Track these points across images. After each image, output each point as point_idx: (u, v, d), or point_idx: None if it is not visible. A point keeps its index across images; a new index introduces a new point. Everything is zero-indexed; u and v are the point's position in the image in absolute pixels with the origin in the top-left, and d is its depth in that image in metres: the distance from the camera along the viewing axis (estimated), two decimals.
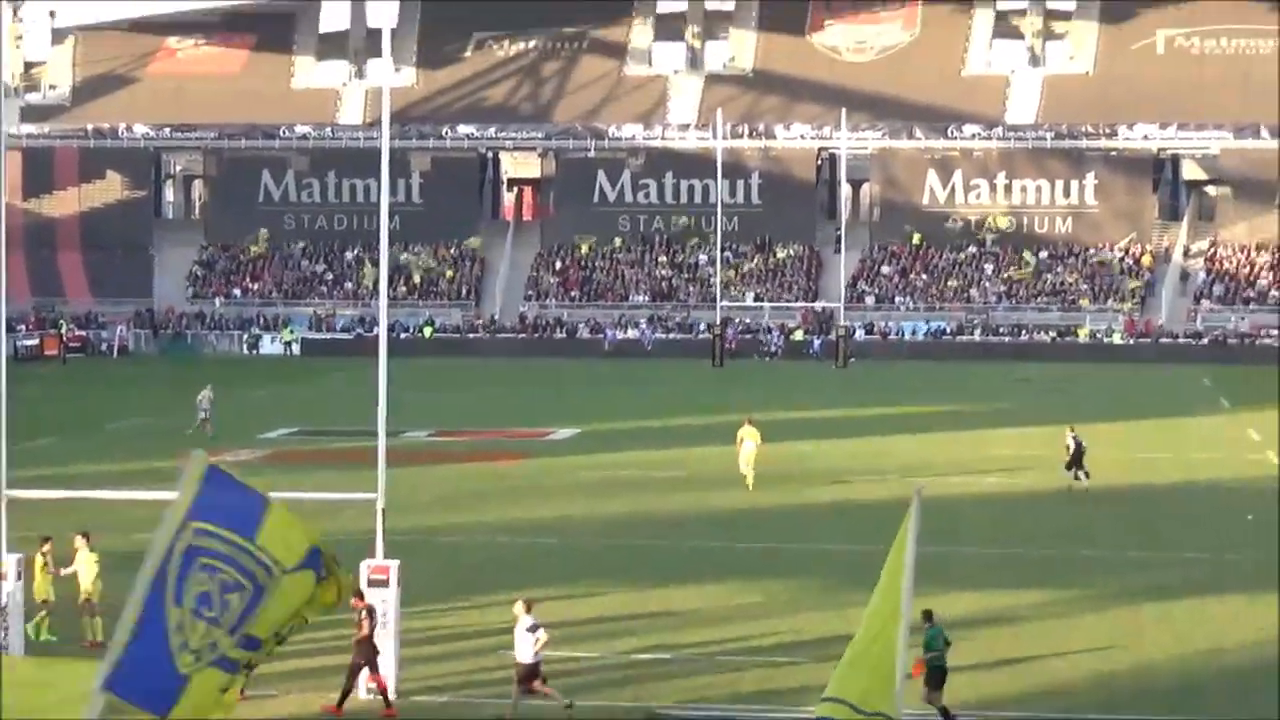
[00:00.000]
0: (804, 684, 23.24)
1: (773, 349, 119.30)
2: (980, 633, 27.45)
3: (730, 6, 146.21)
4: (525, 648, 22.26)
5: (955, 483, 49.63)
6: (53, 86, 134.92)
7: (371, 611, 22.57)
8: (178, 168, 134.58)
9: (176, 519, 14.39)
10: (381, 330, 27.45)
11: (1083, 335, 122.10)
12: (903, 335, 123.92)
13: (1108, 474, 53.41)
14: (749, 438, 51.12)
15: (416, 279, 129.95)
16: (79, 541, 28.23)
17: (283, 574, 15.27)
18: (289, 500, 38.67)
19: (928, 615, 22.09)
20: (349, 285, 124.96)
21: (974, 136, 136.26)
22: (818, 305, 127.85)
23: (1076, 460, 48.68)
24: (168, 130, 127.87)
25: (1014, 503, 47.02)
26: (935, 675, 21.63)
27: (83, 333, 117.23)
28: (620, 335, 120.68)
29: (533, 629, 22.29)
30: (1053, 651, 26.36)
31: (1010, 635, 27.68)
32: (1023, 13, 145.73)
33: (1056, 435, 63.40)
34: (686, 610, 28.85)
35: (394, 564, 22.78)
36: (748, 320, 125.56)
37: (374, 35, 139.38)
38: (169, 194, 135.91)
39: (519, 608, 22.80)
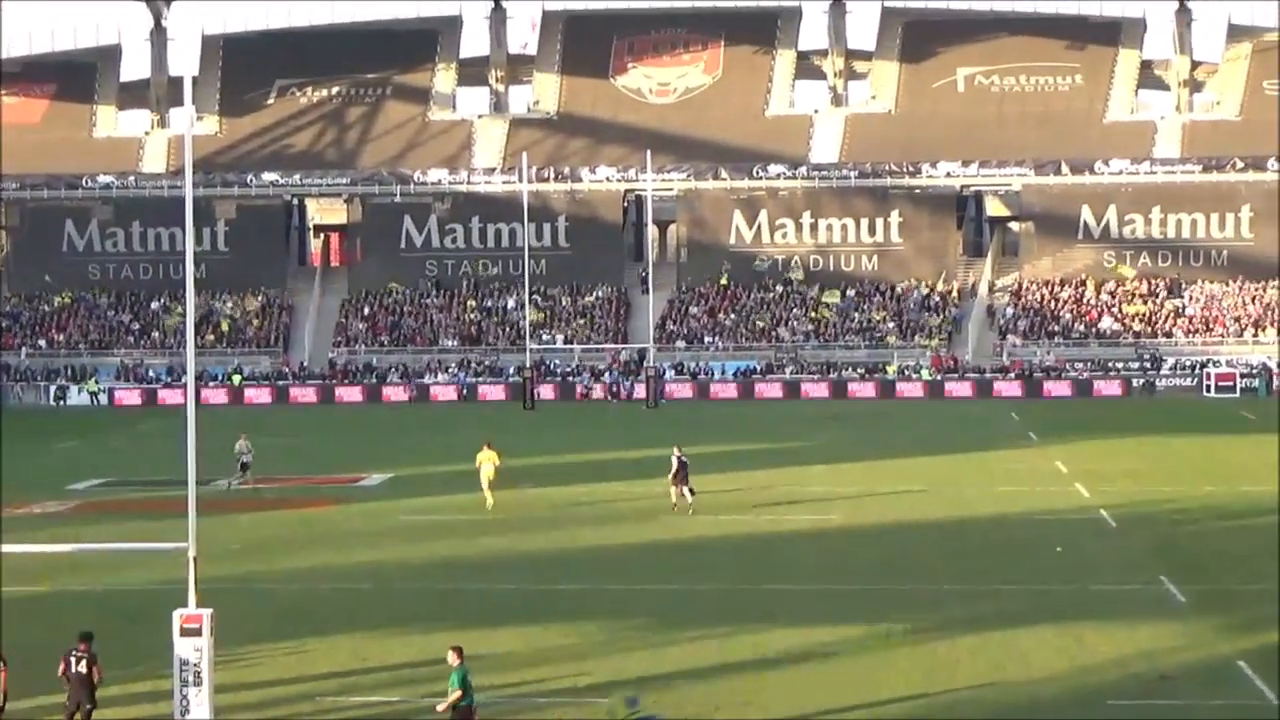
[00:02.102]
0: None
1: (587, 388, 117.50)
2: (800, 668, 27.70)
3: (533, 50, 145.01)
4: None
5: (769, 519, 50.03)
6: None
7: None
8: None
9: None
10: (189, 379, 27.12)
11: (891, 371, 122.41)
12: (712, 375, 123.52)
13: (921, 508, 54.14)
14: (487, 460, 52.86)
15: (224, 327, 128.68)
16: None
17: None
18: (100, 551, 38.82)
19: (459, 652, 22.19)
20: (156, 335, 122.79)
21: (779, 176, 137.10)
22: (627, 347, 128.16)
23: (682, 477, 50.52)
24: None
25: (829, 538, 47.42)
26: (465, 714, 21.70)
27: None
28: (430, 379, 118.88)
29: None
30: (870, 685, 26.49)
31: (829, 670, 27.87)
32: (824, 53, 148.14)
33: (868, 470, 66.40)
34: (501, 652, 28.77)
35: (207, 612, 22.43)
36: (557, 361, 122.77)
37: (176, 83, 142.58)
38: None
39: None
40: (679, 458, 51.42)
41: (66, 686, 22.80)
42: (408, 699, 25.88)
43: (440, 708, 22.24)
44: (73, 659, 22.73)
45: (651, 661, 27.98)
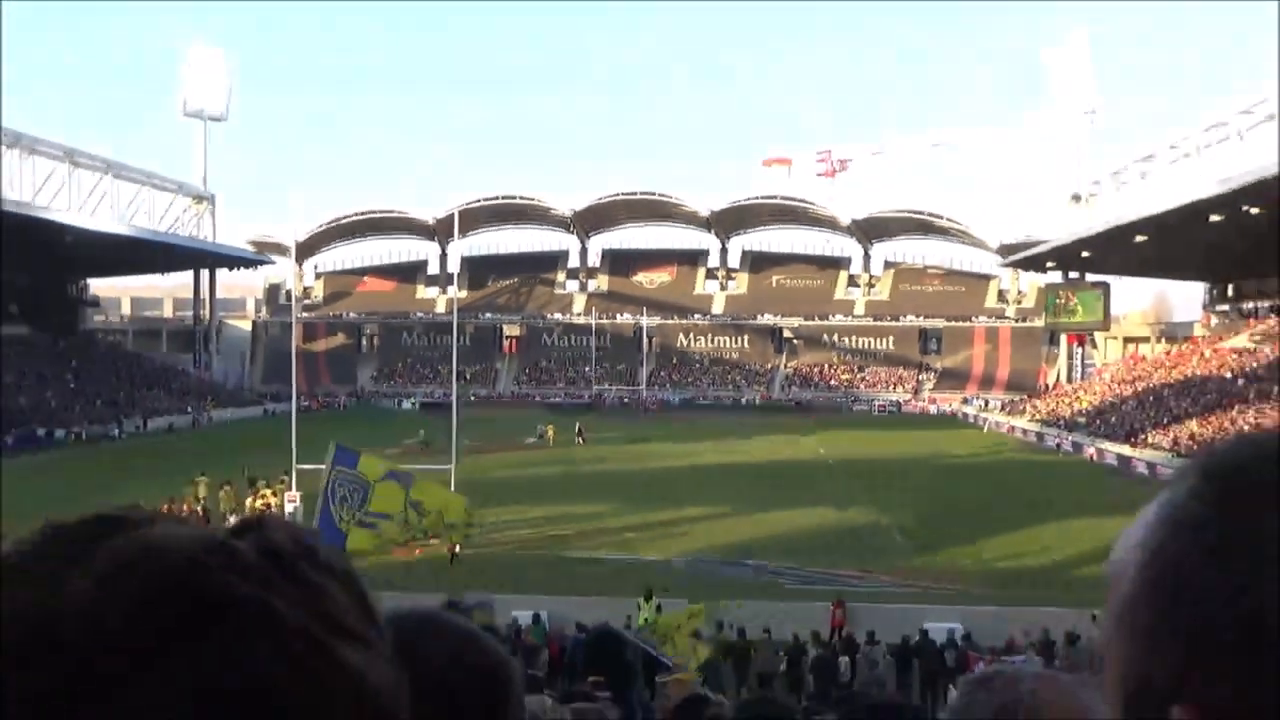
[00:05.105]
0: None
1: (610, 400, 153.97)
2: None
3: (596, 263, 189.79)
4: None
5: None
6: None
7: None
8: None
9: (327, 469, 32.18)
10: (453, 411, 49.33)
11: (747, 400, 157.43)
12: (670, 402, 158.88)
13: None
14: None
15: (469, 376, 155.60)
16: None
17: (373, 483, 31.95)
18: None
19: None
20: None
21: (698, 317, 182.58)
22: (635, 387, 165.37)
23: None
24: None
25: None
26: None
27: None
28: (554, 398, 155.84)
29: None
30: None
31: None
32: (717, 268, 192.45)
33: None
34: None
35: None
36: (609, 392, 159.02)
37: (449, 277, 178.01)
38: None
39: None
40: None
41: None
42: None
43: None
44: None
45: None
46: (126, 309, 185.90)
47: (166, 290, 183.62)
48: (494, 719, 2.26)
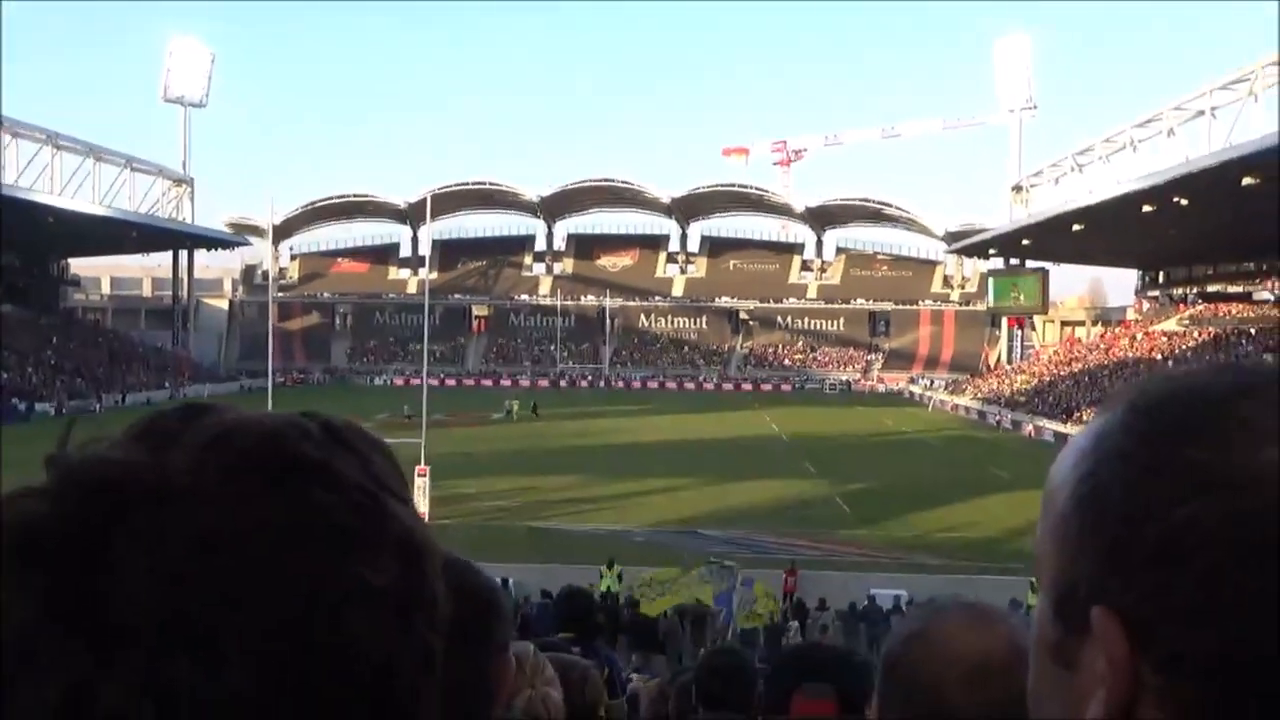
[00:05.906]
0: None
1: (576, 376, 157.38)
2: None
3: (562, 247, 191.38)
4: None
5: None
6: None
7: None
8: None
9: None
10: (424, 388, 48.32)
11: (704, 379, 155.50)
12: (629, 381, 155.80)
13: None
14: None
15: (437, 356, 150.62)
16: None
17: None
18: None
19: None
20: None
21: (658, 299, 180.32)
22: (598, 365, 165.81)
23: None
24: None
25: None
26: None
27: None
28: (538, 377, 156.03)
29: None
30: None
31: None
32: (678, 251, 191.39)
33: None
34: None
35: None
36: (572, 368, 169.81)
37: (421, 260, 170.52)
38: None
39: None
40: None
41: None
42: None
43: None
44: None
45: None
46: (106, 288, 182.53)
47: (146, 270, 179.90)
48: (488, 637, 2.42)
